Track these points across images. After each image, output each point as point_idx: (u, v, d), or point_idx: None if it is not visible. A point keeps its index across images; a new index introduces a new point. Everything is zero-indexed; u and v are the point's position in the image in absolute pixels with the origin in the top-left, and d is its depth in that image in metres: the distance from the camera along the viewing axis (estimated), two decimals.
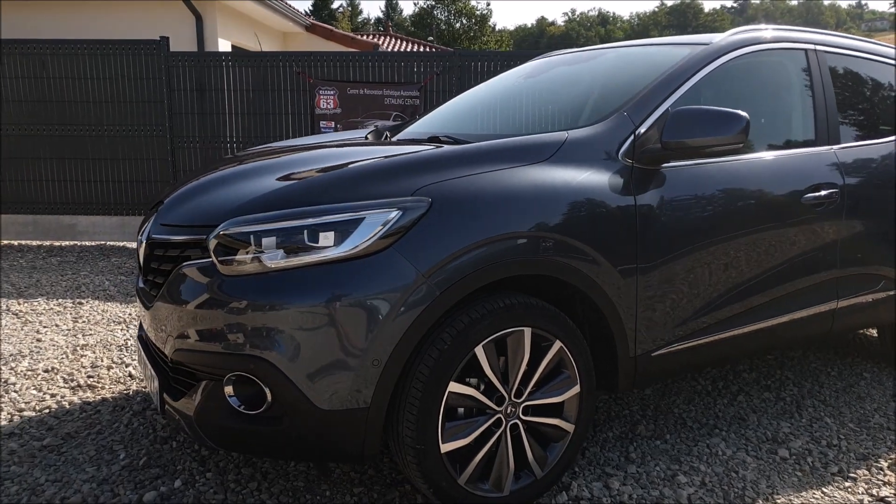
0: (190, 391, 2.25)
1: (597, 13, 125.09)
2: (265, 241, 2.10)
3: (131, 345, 4.16)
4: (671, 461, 2.80)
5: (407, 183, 2.18)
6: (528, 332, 2.31)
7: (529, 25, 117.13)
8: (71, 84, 7.20)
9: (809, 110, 3.15)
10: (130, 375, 3.65)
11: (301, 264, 2.07)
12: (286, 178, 2.37)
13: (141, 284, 2.61)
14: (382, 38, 22.62)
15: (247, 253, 2.11)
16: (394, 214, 2.09)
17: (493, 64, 7.02)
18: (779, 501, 2.53)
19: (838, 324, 3.20)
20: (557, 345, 2.37)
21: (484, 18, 51.58)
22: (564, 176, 2.38)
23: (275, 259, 2.07)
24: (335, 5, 51.60)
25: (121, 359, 3.90)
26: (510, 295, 2.29)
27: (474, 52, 7.47)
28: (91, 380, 3.58)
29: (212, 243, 2.15)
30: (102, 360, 3.87)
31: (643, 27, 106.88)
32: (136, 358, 2.87)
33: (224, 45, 11.05)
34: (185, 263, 2.25)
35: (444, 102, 7.10)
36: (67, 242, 7.60)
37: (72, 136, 7.26)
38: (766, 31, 3.13)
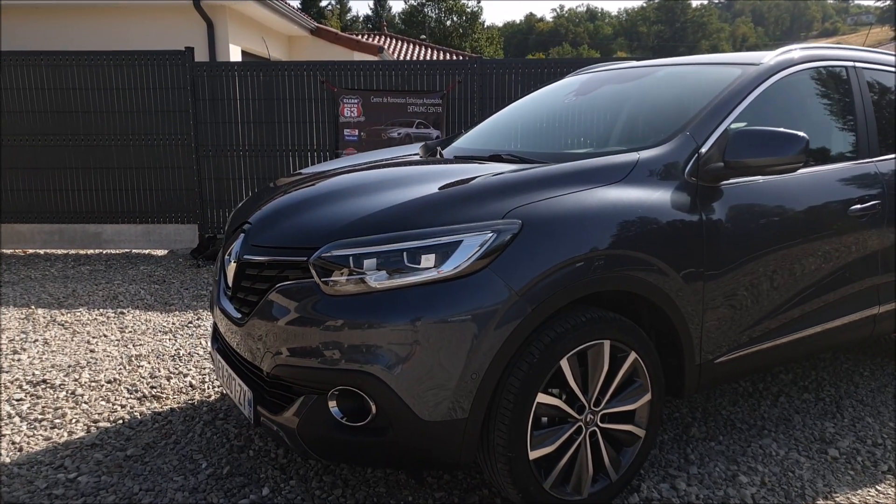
0: (290, 405, 2.37)
1: (585, 9, 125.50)
2: (367, 262, 2.22)
3: (183, 354, 4.27)
4: (729, 462, 2.94)
5: (498, 206, 2.32)
6: (607, 344, 2.45)
7: (518, 22, 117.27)
8: (96, 95, 7.28)
9: (851, 125, 3.31)
10: (191, 385, 3.76)
11: (404, 285, 2.20)
12: (376, 200, 2.49)
13: (225, 303, 2.72)
14: (378, 37, 22.71)
15: (347, 274, 2.23)
16: (489, 236, 2.22)
17: (514, 72, 7.15)
18: (838, 500, 2.68)
19: (879, 327, 3.36)
20: (633, 356, 2.52)
21: (474, 16, 51.73)
22: (639, 195, 2.52)
23: (379, 280, 2.20)
24: (323, 3, 51.47)
25: (177, 369, 4.02)
26: (590, 310, 2.43)
27: (496, 61, 7.57)
28: (154, 390, 3.69)
29: (313, 265, 2.27)
30: (160, 371, 3.98)
31: (631, 23, 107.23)
32: (215, 369, 2.99)
33: (234, 51, 11.12)
34: (283, 283, 2.37)
35: (467, 110, 7.40)
36: (94, 251, 7.68)
37: (97, 145, 7.34)
38: (810, 50, 3.27)
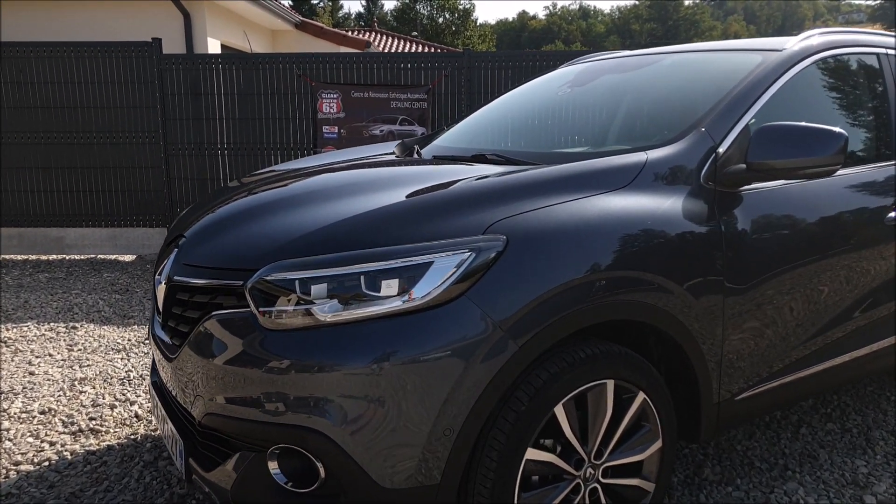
0: (225, 461, 1.94)
1: (578, 7, 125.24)
2: (315, 289, 1.80)
3: (134, 377, 3.83)
4: None
5: (478, 217, 1.89)
6: (610, 384, 2.03)
7: (511, 20, 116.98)
8: (57, 89, 6.80)
9: (886, 120, 2.89)
10: (136, 416, 3.32)
11: (360, 317, 1.77)
12: (331, 209, 2.06)
13: (158, 331, 2.29)
14: (368, 33, 22.26)
15: (293, 303, 1.81)
16: (466, 256, 1.80)
17: (505, 66, 6.72)
18: None
19: None
20: (640, 396, 2.10)
21: (467, 13, 51.45)
22: (648, 205, 2.10)
23: (331, 311, 1.77)
24: (315, 0, 51.03)
25: (124, 395, 3.57)
26: (590, 343, 2.01)
27: (485, 54, 7.16)
28: (93, 422, 3.24)
29: (251, 291, 1.85)
30: (104, 398, 3.54)
31: (624, 21, 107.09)
32: (151, 407, 2.55)
33: (213, 45, 10.65)
34: (216, 312, 1.95)
35: (454, 106, 6.98)
36: (55, 256, 7.21)
37: (58, 143, 6.87)
38: (837, 34, 2.86)
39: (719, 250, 2.19)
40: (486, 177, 2.19)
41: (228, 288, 1.96)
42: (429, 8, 51.92)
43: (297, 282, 1.82)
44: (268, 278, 1.84)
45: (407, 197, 2.02)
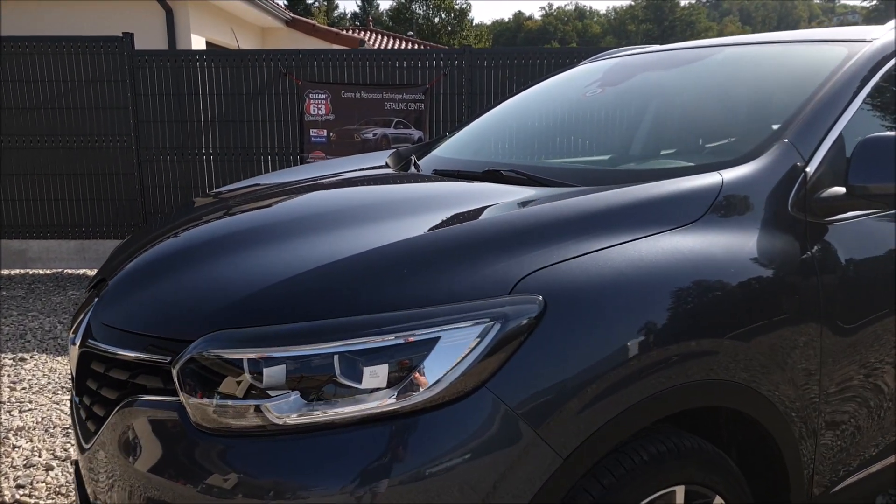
0: None
1: (574, 8, 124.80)
2: (270, 374, 1.25)
3: None
4: None
5: (502, 268, 1.35)
6: (680, 491, 1.49)
7: (507, 20, 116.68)
8: (18, 88, 6.20)
9: None
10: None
11: (332, 420, 1.23)
12: (300, 252, 1.51)
13: (76, 401, 1.74)
14: (363, 33, 21.73)
15: (239, 394, 1.26)
16: (486, 328, 1.25)
17: (509, 64, 6.15)
18: None
19: None
20: (717, 502, 1.56)
21: (463, 13, 51.01)
22: (728, 247, 1.55)
23: (287, 409, 1.23)
24: (310, 0, 50.54)
25: (66, 450, 3.01)
26: (655, 438, 1.46)
27: (488, 50, 6.64)
28: (21, 492, 2.67)
29: (181, 372, 1.31)
30: (41, 454, 2.97)
31: (619, 21, 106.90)
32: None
33: (198, 43, 10.07)
34: (137, 398, 1.41)
35: (454, 108, 6.38)
36: (17, 271, 6.60)
37: (20, 147, 6.26)
38: None
39: (816, 306, 1.65)
40: (510, 204, 1.65)
41: (152, 365, 1.41)
42: (424, 8, 51.53)
43: (245, 362, 1.27)
44: (202, 354, 1.30)
45: (398, 242, 1.46)
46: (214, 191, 2.56)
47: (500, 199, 1.76)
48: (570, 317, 1.31)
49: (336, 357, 1.23)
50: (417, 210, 1.71)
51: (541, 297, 1.30)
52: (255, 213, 1.95)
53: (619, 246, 1.44)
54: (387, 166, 2.61)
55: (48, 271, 6.63)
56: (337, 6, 60.34)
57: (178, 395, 1.32)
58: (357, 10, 63.68)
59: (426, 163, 2.50)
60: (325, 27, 14.78)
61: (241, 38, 11.13)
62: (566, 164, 2.30)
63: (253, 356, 1.26)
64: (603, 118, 2.44)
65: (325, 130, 6.17)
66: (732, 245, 1.56)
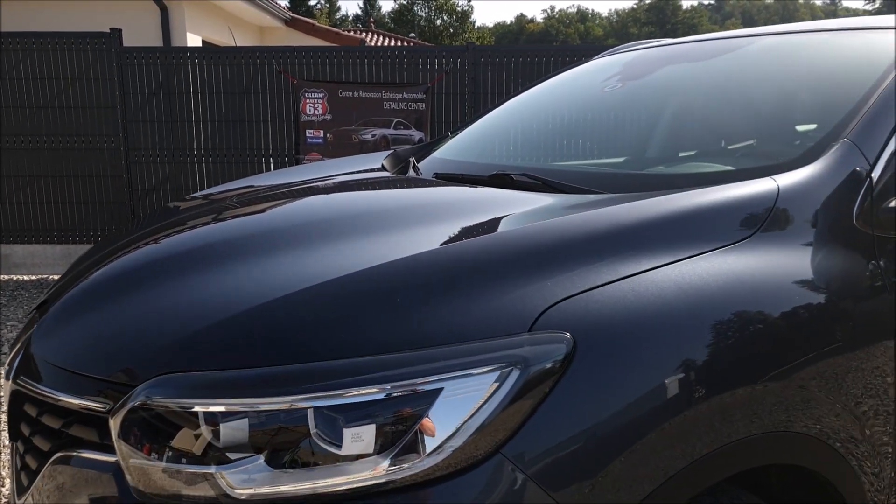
0: None
1: (576, 10, 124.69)
2: (229, 429, 1.00)
3: None
4: None
5: (518, 298, 1.08)
6: None
7: (509, 22, 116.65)
8: (3, 86, 5.95)
9: None
10: None
11: (306, 493, 0.96)
12: (271, 271, 1.26)
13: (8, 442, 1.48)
14: (364, 34, 21.50)
15: (191, 454, 1.01)
16: (503, 376, 0.99)
17: (515, 62, 5.88)
18: None
19: None
20: None
21: (465, 15, 50.90)
22: (788, 267, 1.29)
23: (249, 478, 0.97)
24: (312, 2, 50.47)
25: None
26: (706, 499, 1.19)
27: (492, 48, 6.39)
28: None
29: (121, 426, 1.06)
30: None
31: (622, 24, 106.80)
32: None
33: (194, 42, 9.82)
34: (69, 453, 1.16)
35: (456, 108, 6.11)
36: (0, 277, 6.36)
37: (4, 149, 6.01)
38: None
39: (891, 337, 1.39)
40: (525, 216, 1.39)
41: (87, 413, 1.15)
42: (426, 10, 51.49)
43: (201, 416, 1.01)
44: (149, 403, 1.04)
45: (392, 262, 1.19)
46: (192, 195, 2.30)
47: (512, 208, 1.50)
48: (605, 359, 1.05)
49: (311, 412, 0.97)
50: (414, 221, 1.45)
51: (568, 335, 1.03)
52: (229, 224, 1.69)
53: (661, 269, 1.17)
54: (383, 169, 2.35)
55: (33, 277, 6.37)
56: (339, 8, 60.34)
57: (115, 453, 1.07)
58: (359, 11, 63.58)
59: (426, 165, 2.24)
60: (326, 27, 14.54)
61: (239, 37, 10.90)
62: (585, 166, 2.03)
63: (208, 408, 1.00)
64: (624, 115, 2.18)
65: (322, 131, 5.91)
66: (793, 265, 1.30)
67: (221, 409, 1.00)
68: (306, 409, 0.97)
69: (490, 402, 0.97)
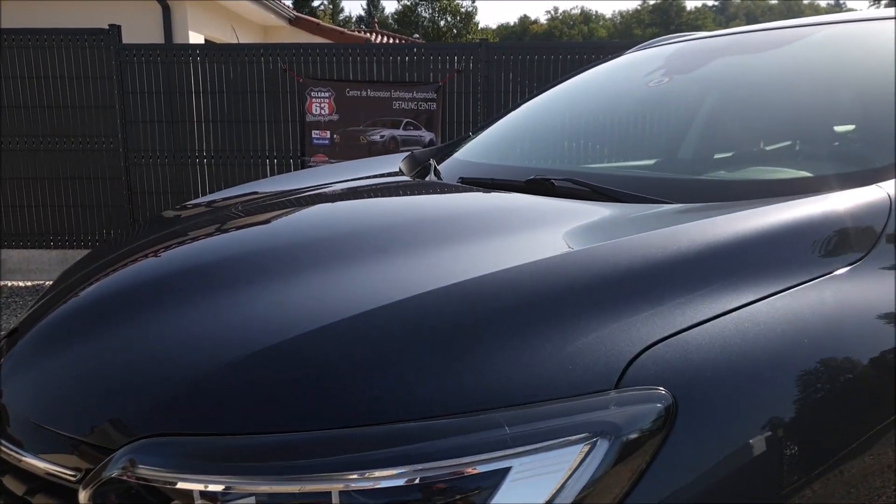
0: None
1: (579, 11, 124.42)
2: None
3: None
4: None
5: (598, 343, 0.85)
6: None
7: (512, 24, 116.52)
8: None
9: None
10: None
11: None
12: (284, 300, 1.03)
13: None
14: (368, 34, 21.30)
15: None
16: (587, 450, 0.76)
17: (531, 59, 5.64)
18: None
19: None
20: None
21: (469, 16, 50.72)
22: None
23: None
24: (315, 3, 50.37)
25: None
26: None
27: (508, 45, 6.18)
28: None
29: (89, 498, 0.84)
30: None
31: (625, 25, 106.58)
32: None
33: (196, 39, 9.61)
34: None
35: (468, 107, 5.87)
36: None
37: None
38: None
39: None
40: (583, 231, 1.16)
41: (55, 480, 0.92)
42: (430, 11, 51.38)
43: (195, 494, 0.78)
44: (129, 474, 0.82)
45: (420, 294, 0.95)
46: (192, 202, 2.07)
47: (566, 222, 1.26)
48: (713, 419, 0.82)
49: (336, 496, 0.74)
50: (450, 239, 1.21)
51: (665, 391, 0.80)
52: (237, 239, 1.45)
53: (767, 300, 0.94)
54: (400, 173, 2.12)
55: (28, 283, 6.15)
56: (342, 9, 60.34)
57: None
58: (362, 13, 63.48)
59: (448, 168, 2.01)
60: (330, 26, 14.33)
61: (243, 36, 10.69)
62: (637, 170, 1.79)
63: (206, 486, 0.77)
64: (674, 112, 1.94)
65: (328, 132, 5.69)
66: None
67: (222, 487, 0.77)
68: (328, 493, 0.74)
69: (569, 485, 0.74)
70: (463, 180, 1.82)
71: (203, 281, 1.16)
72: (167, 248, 1.40)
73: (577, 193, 1.47)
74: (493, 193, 1.61)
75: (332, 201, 1.75)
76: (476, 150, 2.24)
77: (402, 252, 1.16)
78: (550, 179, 1.56)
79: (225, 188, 5.76)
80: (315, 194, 1.82)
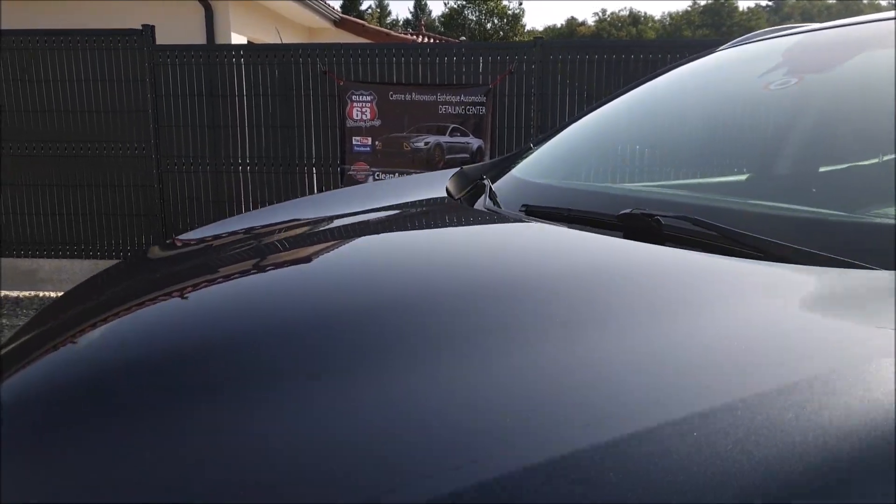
0: None
1: (628, 13, 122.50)
2: None
3: None
4: None
5: None
6: None
7: (559, 26, 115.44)
8: (25, 88, 5.54)
9: None
10: None
11: None
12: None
13: None
14: (414, 37, 21.05)
15: None
16: None
17: (592, 58, 5.17)
18: None
19: None
20: None
21: (516, 18, 50.26)
22: None
23: None
24: (364, 6, 50.64)
25: None
26: None
27: (565, 42, 5.77)
28: None
29: None
30: None
31: (675, 27, 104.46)
32: None
33: (238, 42, 9.41)
34: None
35: (521, 112, 5.43)
36: (26, 293, 5.95)
37: (29, 155, 5.61)
38: None
39: None
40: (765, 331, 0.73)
41: None
42: (477, 13, 51.12)
43: None
44: None
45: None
46: (181, 237, 1.70)
47: (716, 307, 0.83)
48: None
49: None
50: (527, 324, 0.80)
51: None
52: (242, 311, 1.05)
53: None
54: (449, 196, 1.71)
55: (60, 293, 5.94)
56: (389, 12, 60.61)
57: None
58: (409, 16, 63.61)
59: (507, 191, 1.59)
60: (376, 28, 14.05)
61: (287, 38, 10.45)
62: (784, 207, 1.29)
63: None
64: (814, 123, 1.48)
65: (370, 138, 5.32)
66: None
67: None
68: None
69: None
70: (528, 211, 1.40)
71: (219, 363, 0.77)
72: (176, 298, 1.02)
73: (699, 239, 1.03)
74: (578, 238, 1.18)
75: (369, 248, 1.34)
76: (538, 166, 1.82)
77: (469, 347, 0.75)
78: (656, 216, 1.12)
79: (265, 196, 5.46)
80: (355, 226, 1.43)
